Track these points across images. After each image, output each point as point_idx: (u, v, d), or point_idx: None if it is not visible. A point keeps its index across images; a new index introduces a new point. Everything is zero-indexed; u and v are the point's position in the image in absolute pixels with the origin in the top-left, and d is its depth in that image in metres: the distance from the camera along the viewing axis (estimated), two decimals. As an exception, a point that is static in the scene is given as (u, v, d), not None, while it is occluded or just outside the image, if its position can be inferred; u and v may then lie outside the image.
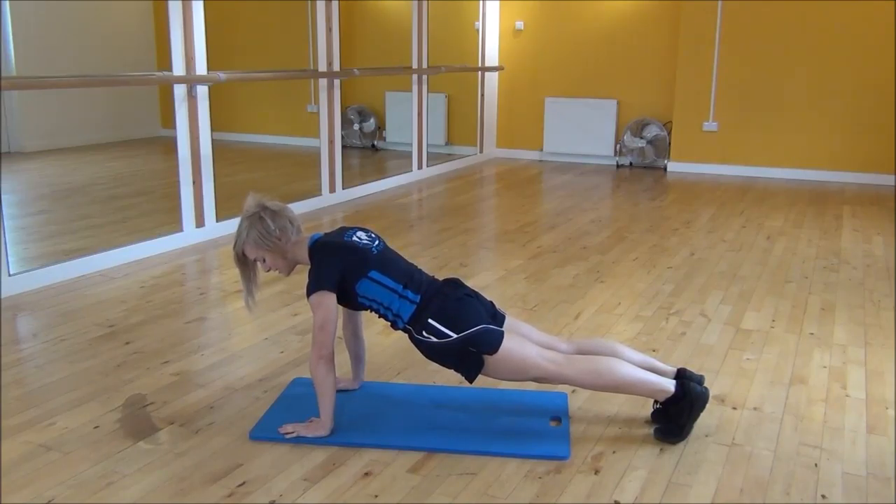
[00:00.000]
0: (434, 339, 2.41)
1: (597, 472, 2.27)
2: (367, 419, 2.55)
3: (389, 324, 2.50)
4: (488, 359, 2.40)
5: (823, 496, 2.16)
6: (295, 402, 2.65)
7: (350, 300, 2.49)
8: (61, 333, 3.32)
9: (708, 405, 2.47)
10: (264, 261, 2.50)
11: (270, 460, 2.31)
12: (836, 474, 2.27)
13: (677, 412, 2.42)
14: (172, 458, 2.32)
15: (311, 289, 2.41)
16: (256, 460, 2.31)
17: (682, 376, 2.48)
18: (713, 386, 2.82)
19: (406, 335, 2.52)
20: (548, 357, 2.42)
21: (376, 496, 2.14)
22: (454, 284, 2.54)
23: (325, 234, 2.57)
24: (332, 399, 2.41)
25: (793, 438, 2.47)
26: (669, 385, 2.43)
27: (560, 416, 2.57)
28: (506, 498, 2.14)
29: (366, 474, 2.24)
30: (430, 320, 2.41)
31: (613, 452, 2.38)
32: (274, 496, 2.13)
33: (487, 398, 2.71)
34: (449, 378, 2.87)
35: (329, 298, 2.40)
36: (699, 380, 2.50)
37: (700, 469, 2.29)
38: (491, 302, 2.58)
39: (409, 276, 2.49)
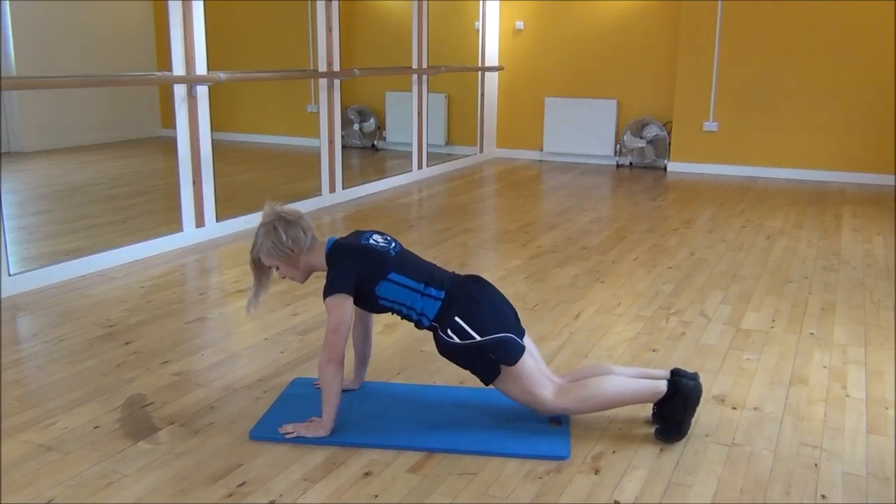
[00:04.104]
0: (457, 340, 2.40)
1: (597, 472, 2.27)
2: (367, 419, 2.55)
3: (414, 324, 2.49)
4: (503, 370, 2.40)
5: (823, 496, 2.16)
6: (295, 402, 2.65)
7: (370, 303, 2.48)
8: (61, 333, 3.32)
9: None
10: (278, 268, 2.52)
11: (270, 460, 2.31)
12: (836, 474, 2.27)
13: (672, 409, 2.43)
14: (172, 458, 2.32)
15: (328, 291, 2.40)
16: (256, 460, 2.31)
17: (673, 375, 2.48)
18: (713, 386, 2.83)
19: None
20: (549, 388, 2.43)
21: (376, 496, 2.14)
22: (479, 281, 2.53)
23: (342, 237, 2.56)
24: (338, 402, 2.41)
25: (793, 438, 2.47)
26: (661, 385, 2.44)
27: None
28: (506, 498, 2.14)
29: (366, 474, 2.25)
30: (456, 318, 2.40)
31: (613, 452, 2.38)
32: (274, 496, 2.13)
33: (487, 398, 2.70)
34: (449, 378, 2.87)
35: (345, 302, 2.39)
36: (692, 376, 2.50)
37: (700, 469, 2.29)
38: (515, 310, 2.57)
39: (429, 274, 2.49)
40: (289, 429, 2.43)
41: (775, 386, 2.86)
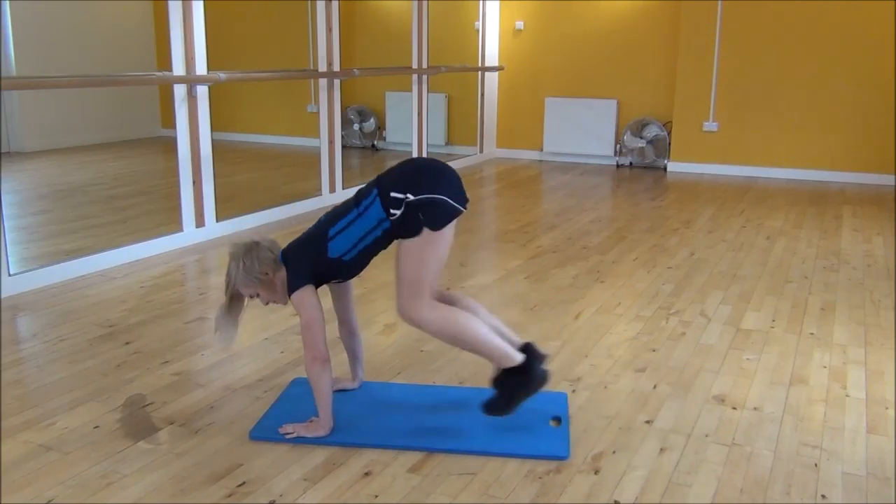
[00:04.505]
0: (398, 213, 2.34)
1: (597, 472, 2.27)
2: (367, 419, 2.55)
3: (388, 237, 2.42)
4: (422, 235, 2.33)
5: (823, 496, 2.16)
6: (295, 402, 2.65)
7: (341, 267, 2.45)
8: (61, 333, 3.32)
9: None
10: (259, 296, 2.47)
11: (270, 460, 2.31)
12: (836, 474, 2.27)
13: (514, 384, 2.41)
14: (172, 458, 2.32)
15: (290, 289, 2.40)
16: (256, 460, 2.31)
17: (528, 351, 2.45)
18: (713, 386, 2.83)
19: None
20: (429, 296, 2.38)
21: (376, 496, 2.14)
22: (406, 160, 2.49)
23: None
24: (329, 398, 2.41)
25: (793, 438, 2.47)
26: (517, 355, 2.41)
27: (560, 416, 2.57)
28: (506, 498, 2.14)
29: (366, 474, 2.25)
30: (391, 194, 2.34)
31: (613, 452, 2.38)
32: (274, 496, 2.13)
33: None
34: (449, 378, 2.87)
35: (307, 292, 2.39)
36: (542, 359, 2.47)
37: (700, 469, 2.29)
38: (458, 176, 2.49)
39: (354, 199, 2.44)
40: (289, 429, 2.43)
41: (775, 386, 2.86)
